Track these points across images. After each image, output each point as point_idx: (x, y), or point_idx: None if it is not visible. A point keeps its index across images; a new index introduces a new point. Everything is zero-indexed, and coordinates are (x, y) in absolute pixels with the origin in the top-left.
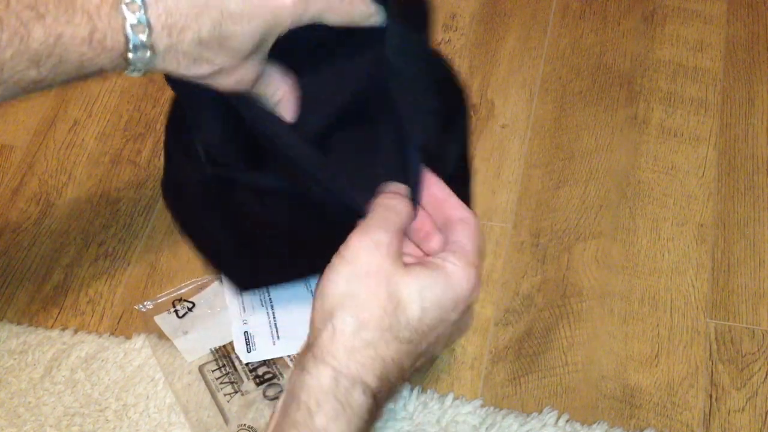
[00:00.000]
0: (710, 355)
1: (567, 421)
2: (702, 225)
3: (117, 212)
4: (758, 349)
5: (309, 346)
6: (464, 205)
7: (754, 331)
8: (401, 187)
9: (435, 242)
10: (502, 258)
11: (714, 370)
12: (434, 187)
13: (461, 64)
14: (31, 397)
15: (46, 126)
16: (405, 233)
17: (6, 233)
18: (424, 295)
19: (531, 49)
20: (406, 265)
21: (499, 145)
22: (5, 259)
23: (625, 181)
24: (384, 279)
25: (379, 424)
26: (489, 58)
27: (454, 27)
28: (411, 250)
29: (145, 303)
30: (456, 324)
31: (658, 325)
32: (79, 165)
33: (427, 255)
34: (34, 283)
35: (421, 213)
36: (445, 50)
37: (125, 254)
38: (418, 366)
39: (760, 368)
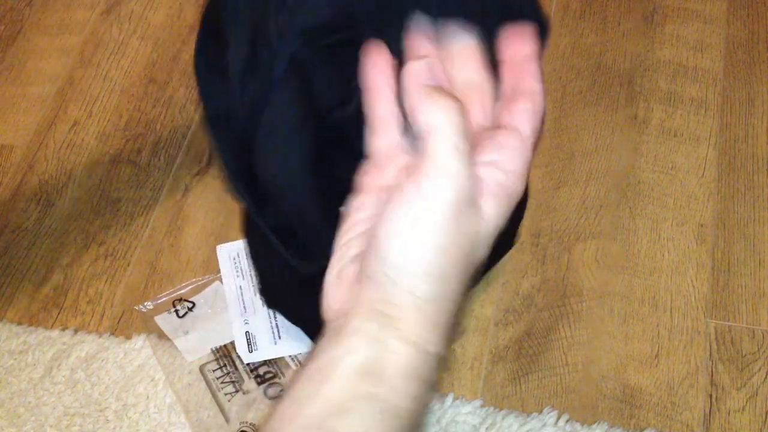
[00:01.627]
0: (710, 355)
1: (567, 421)
2: (702, 225)
3: (117, 212)
4: (758, 349)
5: (379, 313)
6: (537, 71)
7: (754, 331)
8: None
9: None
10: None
11: (714, 370)
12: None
13: None
14: (31, 397)
15: (46, 126)
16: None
17: (6, 233)
18: (492, 229)
19: None
20: (474, 203)
21: None
22: (5, 259)
23: (625, 181)
24: (467, 243)
25: None
26: None
27: None
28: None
29: (145, 303)
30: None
31: (658, 325)
32: (79, 165)
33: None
34: (34, 283)
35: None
36: None
37: (125, 254)
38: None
39: (760, 368)
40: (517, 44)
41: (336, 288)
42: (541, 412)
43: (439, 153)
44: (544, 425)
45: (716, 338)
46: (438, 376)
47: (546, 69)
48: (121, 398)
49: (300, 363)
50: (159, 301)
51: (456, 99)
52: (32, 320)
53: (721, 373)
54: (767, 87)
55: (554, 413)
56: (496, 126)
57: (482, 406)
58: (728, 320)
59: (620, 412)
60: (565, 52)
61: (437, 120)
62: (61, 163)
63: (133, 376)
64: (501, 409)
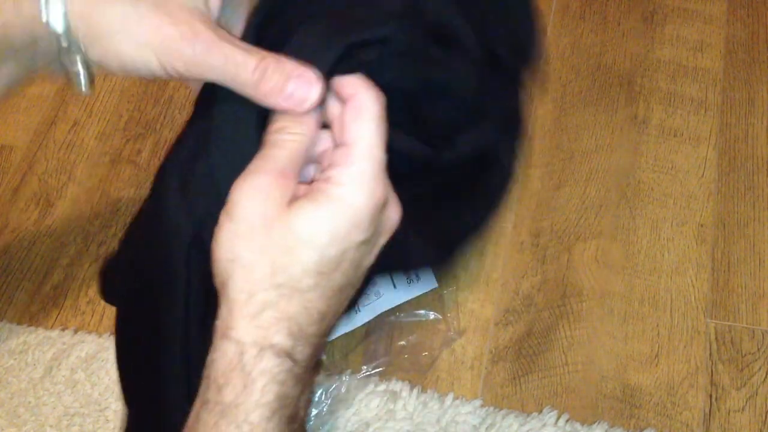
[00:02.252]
0: (710, 355)
1: (567, 421)
2: (702, 225)
3: (117, 212)
4: (758, 349)
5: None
6: (359, 78)
7: (754, 331)
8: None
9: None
10: (502, 258)
11: (714, 370)
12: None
13: None
14: (31, 397)
15: (46, 126)
16: (309, 159)
17: (6, 233)
18: (314, 234)
19: None
20: (292, 204)
21: None
22: (5, 259)
23: (625, 181)
24: (268, 230)
25: (378, 424)
26: None
27: None
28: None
29: None
30: (372, 238)
31: (658, 325)
32: (79, 165)
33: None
34: (34, 283)
35: (323, 133)
36: None
37: None
38: (344, 299)
39: (760, 368)
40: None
41: None
42: (541, 412)
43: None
44: (544, 425)
45: (716, 338)
46: (290, 367)
47: (546, 69)
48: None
49: None
50: None
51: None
52: (32, 320)
53: (721, 373)
54: (767, 87)
55: (554, 413)
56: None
57: (482, 406)
58: (728, 320)
59: (620, 412)
60: (565, 52)
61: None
62: (61, 163)
63: None
64: (501, 409)
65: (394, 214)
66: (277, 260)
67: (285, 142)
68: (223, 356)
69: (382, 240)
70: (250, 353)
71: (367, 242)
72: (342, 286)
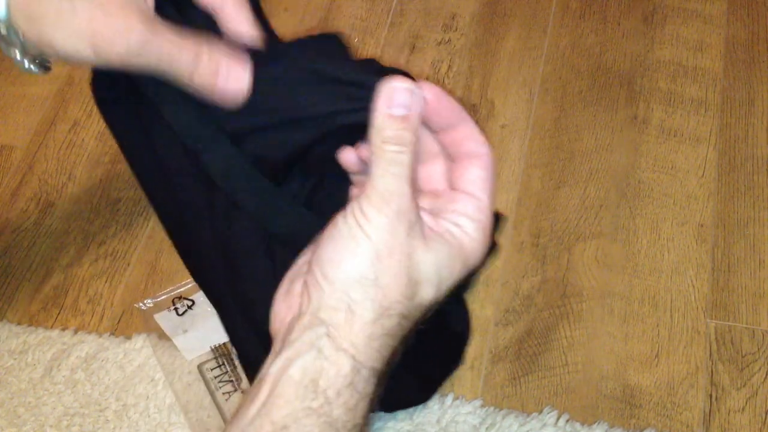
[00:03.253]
0: (710, 355)
1: (567, 421)
2: (702, 225)
3: (117, 212)
4: (758, 349)
5: (319, 320)
6: (477, 132)
7: (754, 331)
8: (401, 91)
9: (440, 186)
10: (502, 258)
11: (714, 370)
12: (436, 99)
13: (461, 64)
14: (31, 397)
15: (46, 126)
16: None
17: (6, 233)
18: (441, 273)
19: (531, 49)
20: (422, 237)
21: (499, 145)
22: (5, 259)
23: (625, 181)
24: (405, 259)
25: (378, 424)
26: (489, 58)
27: (454, 27)
28: (422, 204)
29: (145, 301)
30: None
31: (658, 325)
32: (79, 165)
33: (435, 205)
34: (34, 283)
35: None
36: (445, 50)
37: (125, 254)
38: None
39: (760, 368)
40: (444, 108)
41: (283, 302)
42: (541, 412)
43: (378, 178)
44: (544, 425)
45: (716, 338)
46: (377, 392)
47: (546, 69)
48: (121, 398)
49: None
50: (159, 299)
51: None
52: (32, 320)
53: (721, 373)
54: (767, 87)
55: (554, 413)
56: (453, 188)
57: (482, 406)
58: (728, 320)
59: (620, 412)
60: (565, 52)
61: (385, 153)
62: (61, 163)
63: (133, 376)
64: (501, 409)
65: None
66: (407, 291)
67: (403, 156)
68: (337, 370)
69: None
70: (363, 374)
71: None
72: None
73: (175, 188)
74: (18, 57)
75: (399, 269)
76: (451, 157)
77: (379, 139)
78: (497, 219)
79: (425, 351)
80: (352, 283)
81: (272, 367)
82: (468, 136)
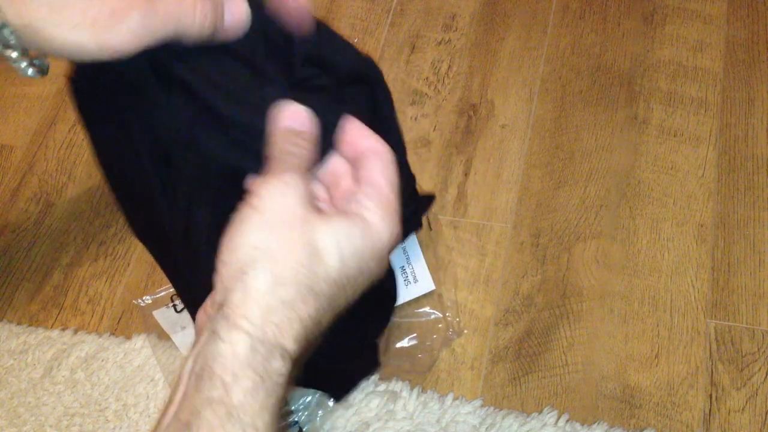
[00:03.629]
0: (710, 355)
1: (567, 421)
2: (702, 225)
3: (117, 212)
4: (758, 349)
5: (218, 306)
6: (375, 135)
7: (754, 331)
8: (298, 113)
9: (345, 183)
10: (502, 258)
11: (714, 370)
12: (344, 121)
13: (461, 64)
14: (31, 397)
15: (46, 126)
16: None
17: (6, 233)
18: (343, 246)
19: (531, 49)
20: (320, 212)
21: (499, 145)
22: (5, 259)
23: (625, 181)
24: (299, 228)
25: (378, 424)
26: (489, 58)
27: (454, 27)
28: (321, 194)
29: (144, 298)
30: (372, 274)
31: (658, 325)
32: (79, 165)
33: (337, 197)
34: (34, 283)
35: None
36: (445, 50)
37: (125, 254)
38: (334, 318)
39: (760, 368)
40: (354, 132)
41: (203, 310)
42: (541, 412)
43: (273, 165)
44: (544, 425)
45: (716, 338)
46: (288, 374)
47: (546, 69)
48: (121, 398)
49: None
50: (158, 296)
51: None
52: (32, 320)
53: (721, 373)
54: (767, 87)
55: (554, 413)
56: (356, 182)
57: (482, 406)
58: (728, 320)
59: (620, 412)
60: (565, 52)
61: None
62: (61, 163)
63: (133, 376)
64: (501, 409)
65: (383, 267)
66: (304, 259)
67: (296, 151)
68: (232, 350)
69: (366, 284)
70: (260, 352)
71: (371, 274)
72: (341, 305)
73: (142, 172)
74: (16, 60)
75: (291, 237)
76: (355, 163)
77: (279, 142)
78: (426, 201)
79: (354, 314)
80: (244, 258)
81: (185, 365)
82: (365, 136)
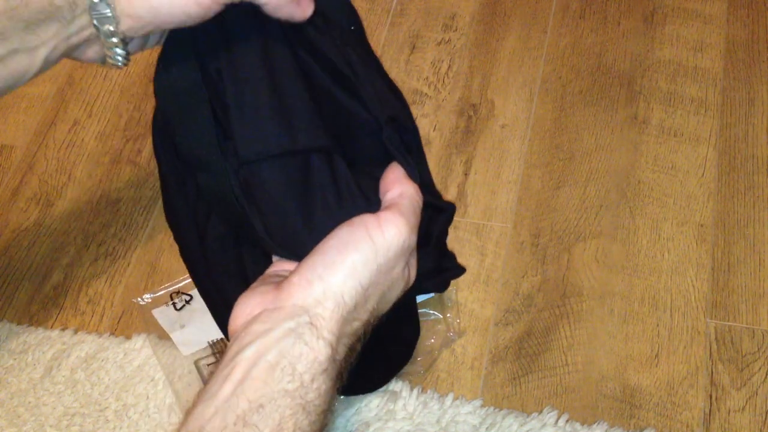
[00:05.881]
0: (710, 355)
1: (567, 421)
2: (702, 225)
3: (117, 212)
4: (758, 349)
5: (301, 312)
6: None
7: (754, 331)
8: (400, 171)
9: None
10: (502, 258)
11: (714, 370)
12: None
13: (461, 64)
14: (31, 397)
15: (46, 126)
16: None
17: (6, 233)
18: (361, 271)
19: (531, 49)
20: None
21: (499, 145)
22: (5, 259)
23: (625, 181)
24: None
25: (378, 424)
26: (489, 58)
27: (454, 27)
28: None
29: (143, 296)
30: (402, 274)
31: (658, 325)
32: (79, 165)
33: None
34: (34, 283)
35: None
36: (445, 50)
37: (125, 254)
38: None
39: (760, 368)
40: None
41: (248, 302)
42: (541, 412)
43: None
44: (544, 425)
45: (716, 338)
46: (341, 383)
47: (546, 69)
48: (121, 398)
49: None
50: (157, 294)
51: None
52: (32, 320)
53: (721, 373)
54: (767, 87)
55: (554, 413)
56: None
57: (482, 406)
58: (728, 320)
59: (620, 412)
60: (565, 52)
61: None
62: (61, 163)
63: (133, 376)
64: (501, 409)
65: (413, 270)
66: (376, 275)
67: (414, 194)
68: (315, 356)
69: (401, 284)
70: (335, 364)
71: (398, 277)
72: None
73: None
74: (114, 44)
75: (380, 279)
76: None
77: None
78: (455, 271)
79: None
80: (347, 289)
81: (246, 351)
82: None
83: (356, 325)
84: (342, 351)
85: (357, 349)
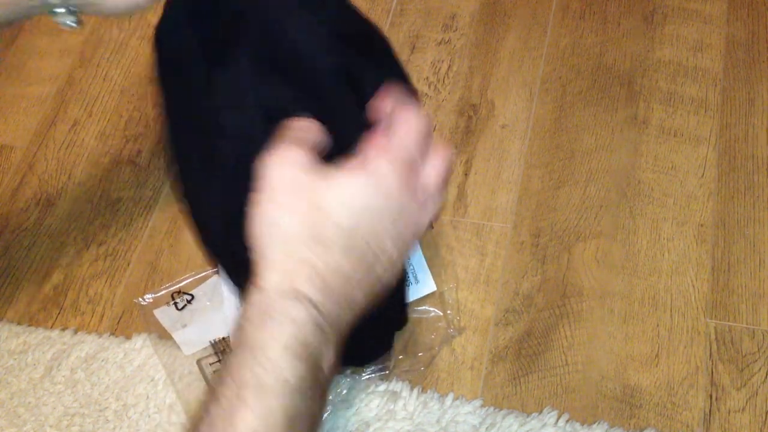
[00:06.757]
0: (710, 355)
1: (567, 421)
2: (702, 225)
3: (117, 212)
4: (758, 349)
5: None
6: (410, 102)
7: (754, 331)
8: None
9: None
10: (502, 258)
11: (714, 370)
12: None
13: (461, 64)
14: (31, 397)
15: (46, 126)
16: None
17: (6, 233)
18: (347, 198)
19: (531, 49)
20: (328, 174)
21: (499, 145)
22: (5, 259)
23: (625, 181)
24: (301, 192)
25: (378, 424)
26: (489, 58)
27: (454, 27)
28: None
29: (144, 296)
30: (406, 218)
31: (658, 325)
32: (79, 165)
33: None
34: (34, 283)
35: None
36: (445, 50)
37: (125, 254)
38: (369, 269)
39: (760, 368)
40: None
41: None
42: (541, 412)
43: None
44: (544, 425)
45: (716, 338)
46: (312, 319)
47: (546, 69)
48: (121, 398)
49: None
50: (158, 294)
51: None
52: (32, 320)
53: (721, 373)
54: (767, 87)
55: (554, 413)
56: None
57: (482, 406)
58: (728, 320)
59: (620, 412)
60: (565, 52)
61: None
62: (61, 163)
63: (133, 376)
64: (501, 409)
65: (429, 210)
66: (308, 218)
67: (305, 125)
68: (252, 306)
69: (415, 229)
70: (274, 298)
71: (391, 218)
72: (364, 252)
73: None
74: (57, 6)
75: (295, 204)
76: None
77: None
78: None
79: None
80: (261, 233)
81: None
82: (391, 100)
83: (295, 246)
84: (288, 281)
85: (328, 267)
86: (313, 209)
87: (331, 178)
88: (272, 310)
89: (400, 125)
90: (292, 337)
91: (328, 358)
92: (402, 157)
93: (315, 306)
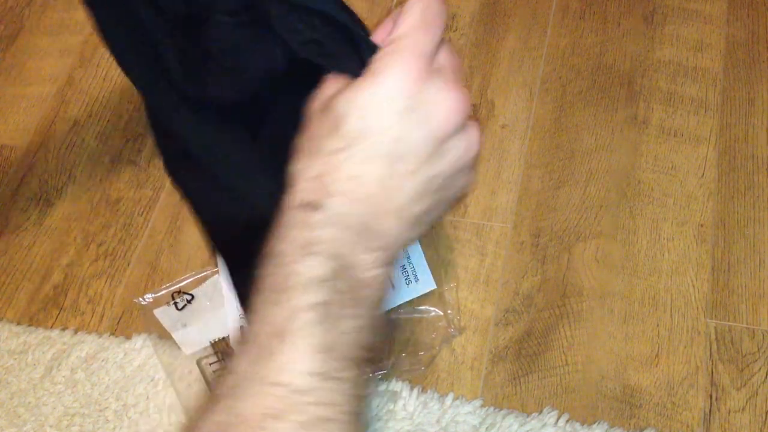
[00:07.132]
0: (710, 355)
1: (567, 421)
2: (702, 225)
3: (117, 212)
4: (758, 349)
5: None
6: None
7: (754, 331)
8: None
9: None
10: (502, 258)
11: (714, 370)
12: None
13: (461, 65)
14: (31, 397)
15: (46, 126)
16: None
17: (6, 233)
18: (354, 102)
19: (531, 49)
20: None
21: (499, 145)
22: (5, 259)
23: (625, 181)
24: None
25: (378, 424)
26: (489, 58)
27: (454, 27)
28: None
29: (145, 296)
30: (414, 117)
31: (658, 325)
32: (79, 165)
33: None
34: (34, 283)
35: None
36: None
37: (125, 254)
38: (393, 175)
39: (760, 368)
40: None
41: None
42: (541, 412)
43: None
44: (544, 425)
45: (716, 338)
46: (334, 223)
47: (546, 69)
48: (121, 398)
49: None
50: (158, 294)
51: None
52: (32, 320)
53: (721, 373)
54: (767, 87)
55: (554, 413)
56: None
57: (482, 406)
58: (728, 320)
59: (620, 412)
60: (565, 52)
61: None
62: (61, 163)
63: (133, 376)
64: (501, 409)
65: (450, 113)
66: (324, 131)
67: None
68: (278, 224)
69: (429, 131)
70: (294, 212)
71: (408, 118)
72: (385, 154)
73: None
74: None
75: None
76: None
77: None
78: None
79: None
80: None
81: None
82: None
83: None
84: (300, 194)
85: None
86: (330, 121)
87: (348, 89)
88: (292, 220)
89: (404, 18)
90: (304, 239)
91: (364, 263)
92: (407, 58)
93: (324, 208)
